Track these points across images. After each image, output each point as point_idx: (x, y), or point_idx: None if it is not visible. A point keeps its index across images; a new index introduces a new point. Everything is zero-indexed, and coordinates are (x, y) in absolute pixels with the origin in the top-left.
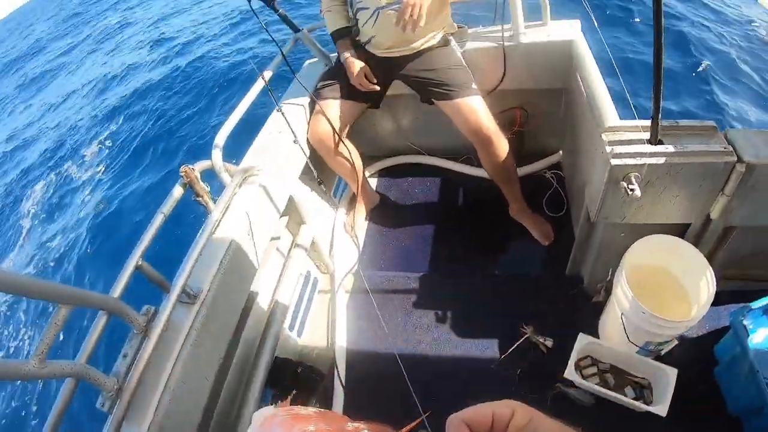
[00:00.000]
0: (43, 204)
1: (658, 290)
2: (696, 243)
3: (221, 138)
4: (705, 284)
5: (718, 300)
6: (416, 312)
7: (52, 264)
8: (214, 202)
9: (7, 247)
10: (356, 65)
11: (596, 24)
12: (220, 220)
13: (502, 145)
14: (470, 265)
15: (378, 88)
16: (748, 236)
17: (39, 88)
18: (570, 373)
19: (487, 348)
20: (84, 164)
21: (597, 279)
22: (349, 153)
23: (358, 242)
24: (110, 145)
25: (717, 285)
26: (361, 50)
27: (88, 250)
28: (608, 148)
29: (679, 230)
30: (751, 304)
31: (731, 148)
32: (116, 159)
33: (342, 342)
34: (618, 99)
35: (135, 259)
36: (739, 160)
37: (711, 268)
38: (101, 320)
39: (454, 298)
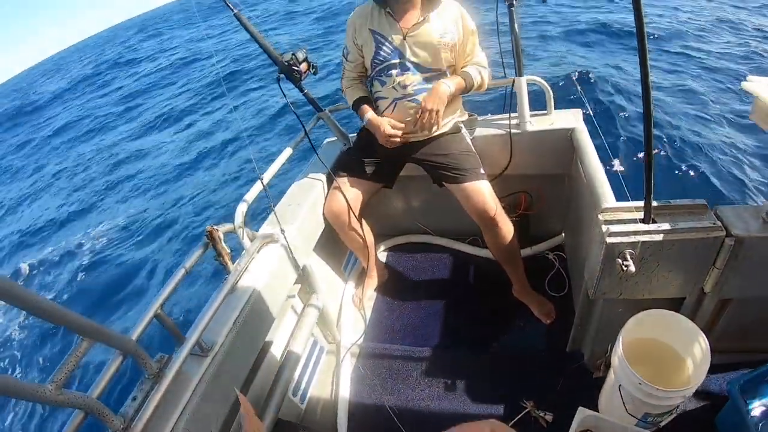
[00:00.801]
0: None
1: (657, 363)
2: (692, 316)
3: (244, 204)
4: (701, 355)
5: (717, 371)
6: (419, 386)
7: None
8: (233, 264)
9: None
10: (381, 121)
11: (592, 114)
12: (237, 281)
13: (506, 228)
14: (474, 341)
15: (403, 137)
16: (742, 308)
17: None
18: None
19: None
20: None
21: (597, 355)
22: (362, 230)
23: (365, 315)
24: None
25: (715, 356)
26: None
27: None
28: (604, 228)
29: (675, 304)
30: (748, 374)
31: (720, 224)
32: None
33: (344, 411)
34: (615, 182)
35: (155, 307)
36: (728, 234)
37: (706, 339)
38: (117, 360)
39: (457, 373)
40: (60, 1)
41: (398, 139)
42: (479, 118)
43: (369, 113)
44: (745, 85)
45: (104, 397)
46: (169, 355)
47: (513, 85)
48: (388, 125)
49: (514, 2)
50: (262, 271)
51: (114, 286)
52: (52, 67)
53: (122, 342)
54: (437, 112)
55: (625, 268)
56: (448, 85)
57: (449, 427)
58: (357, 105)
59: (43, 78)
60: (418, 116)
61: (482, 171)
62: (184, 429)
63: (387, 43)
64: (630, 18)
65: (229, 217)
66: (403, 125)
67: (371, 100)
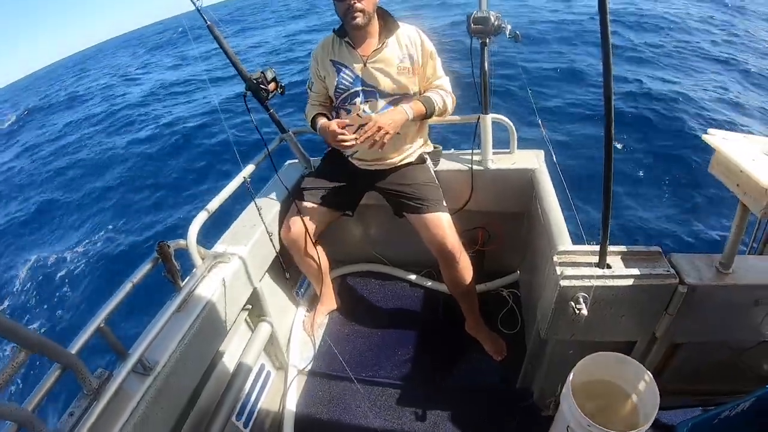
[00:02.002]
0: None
1: (607, 403)
2: (642, 359)
3: (198, 222)
4: (649, 397)
5: (667, 411)
6: (365, 417)
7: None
8: (183, 281)
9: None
10: (330, 123)
11: (554, 158)
12: (185, 300)
13: (463, 262)
14: (424, 374)
15: (354, 143)
16: (692, 352)
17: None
18: None
19: None
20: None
21: (547, 393)
22: (318, 256)
23: (316, 341)
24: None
25: (665, 398)
26: (344, 161)
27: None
28: (559, 270)
29: (626, 347)
30: (698, 416)
31: (674, 271)
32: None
33: None
34: (572, 221)
35: (98, 321)
36: (681, 282)
37: (655, 382)
38: (55, 373)
39: (406, 405)
40: None
41: (348, 141)
42: (444, 151)
43: (321, 120)
44: (705, 138)
45: (40, 411)
46: (111, 371)
47: (478, 121)
48: (336, 125)
49: (487, 41)
50: (212, 290)
51: (55, 292)
52: None
53: (62, 355)
54: (387, 133)
55: (577, 311)
56: (407, 111)
57: None
58: (314, 121)
59: None
60: (366, 127)
61: (444, 203)
62: None
63: (348, 71)
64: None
65: (181, 234)
66: (351, 123)
67: (328, 116)
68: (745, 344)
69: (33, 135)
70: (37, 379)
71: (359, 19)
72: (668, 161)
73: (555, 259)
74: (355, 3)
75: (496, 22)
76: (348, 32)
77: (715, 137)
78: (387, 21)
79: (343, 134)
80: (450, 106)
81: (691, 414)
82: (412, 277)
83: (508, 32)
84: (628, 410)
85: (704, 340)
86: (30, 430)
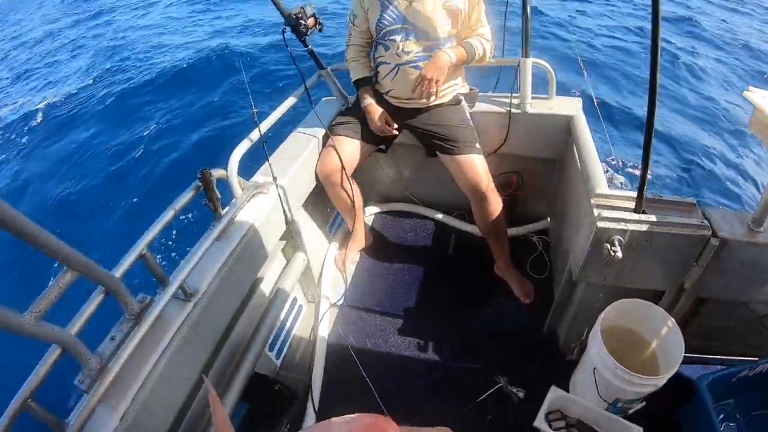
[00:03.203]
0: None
1: (630, 352)
2: (669, 310)
3: (239, 152)
4: (674, 348)
5: (686, 365)
6: (394, 352)
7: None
8: (223, 210)
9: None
10: (377, 111)
11: (596, 103)
12: (225, 229)
13: (496, 204)
14: (452, 313)
15: (397, 132)
16: (717, 310)
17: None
18: (540, 422)
19: (460, 392)
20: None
21: (572, 338)
22: (352, 191)
23: (347, 277)
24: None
25: (686, 352)
26: (379, 97)
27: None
28: (596, 212)
29: (654, 296)
30: (718, 371)
31: (707, 223)
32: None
33: (319, 369)
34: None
35: (140, 247)
36: (714, 234)
37: (681, 333)
38: (98, 297)
39: (433, 342)
40: None
41: (389, 131)
42: (480, 93)
43: (367, 100)
44: (746, 94)
45: (82, 335)
46: (152, 297)
47: (519, 65)
48: (384, 120)
49: None
50: (251, 220)
51: (99, 215)
52: None
53: (106, 278)
54: (437, 81)
55: (612, 254)
56: (450, 54)
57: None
58: (358, 84)
59: None
60: (417, 84)
61: (478, 145)
62: (161, 374)
63: (392, 8)
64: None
65: (223, 164)
66: (395, 126)
67: (371, 81)
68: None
69: None
70: (78, 304)
71: None
72: (711, 115)
73: (593, 201)
74: None
75: None
76: None
77: (755, 94)
78: None
79: (384, 129)
80: (488, 55)
81: (711, 369)
82: (444, 217)
83: None
84: (649, 359)
85: (729, 297)
86: (73, 353)
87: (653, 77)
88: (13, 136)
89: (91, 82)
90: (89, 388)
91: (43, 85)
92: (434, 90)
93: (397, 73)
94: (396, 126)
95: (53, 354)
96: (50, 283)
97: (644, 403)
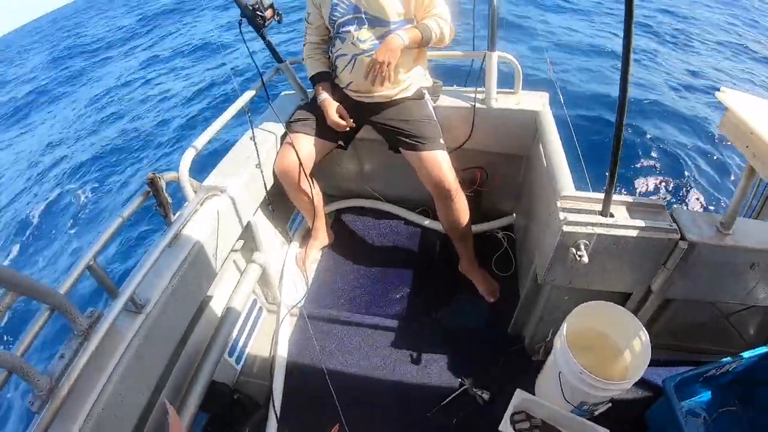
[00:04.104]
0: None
1: (596, 354)
2: (635, 311)
3: (190, 153)
4: (641, 350)
5: (653, 367)
6: (357, 353)
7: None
8: (174, 215)
9: None
10: (332, 106)
11: (562, 99)
12: (177, 234)
13: (460, 201)
14: (416, 312)
15: (353, 124)
16: (684, 309)
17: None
18: (505, 425)
19: (424, 395)
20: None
21: (537, 339)
22: (312, 189)
23: (308, 277)
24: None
25: (653, 353)
26: (338, 91)
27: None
28: (562, 215)
29: (621, 298)
30: (685, 372)
31: (676, 226)
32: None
33: (280, 374)
34: (576, 168)
35: (87, 258)
36: (682, 237)
37: (648, 335)
38: (43, 315)
39: (396, 343)
40: None
41: (344, 125)
42: (444, 87)
43: (323, 95)
44: (718, 95)
45: (29, 356)
46: (101, 310)
47: (483, 58)
48: (336, 113)
49: None
50: (205, 224)
51: (41, 228)
52: None
53: (50, 295)
54: (388, 64)
55: (578, 258)
56: (402, 36)
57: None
58: (314, 80)
59: None
60: (369, 69)
61: (442, 141)
62: (114, 390)
63: None
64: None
65: (172, 166)
66: (351, 121)
67: (328, 75)
68: (735, 307)
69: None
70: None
71: None
72: (678, 118)
73: (558, 204)
74: None
75: None
76: None
77: (727, 95)
78: None
79: (340, 125)
80: (447, 35)
81: (678, 371)
82: (407, 213)
83: None
84: (617, 361)
85: (697, 298)
86: (21, 375)
87: (624, 71)
88: None
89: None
90: (40, 409)
91: None
92: (386, 74)
93: (354, 64)
94: (352, 120)
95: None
96: None
97: (610, 404)
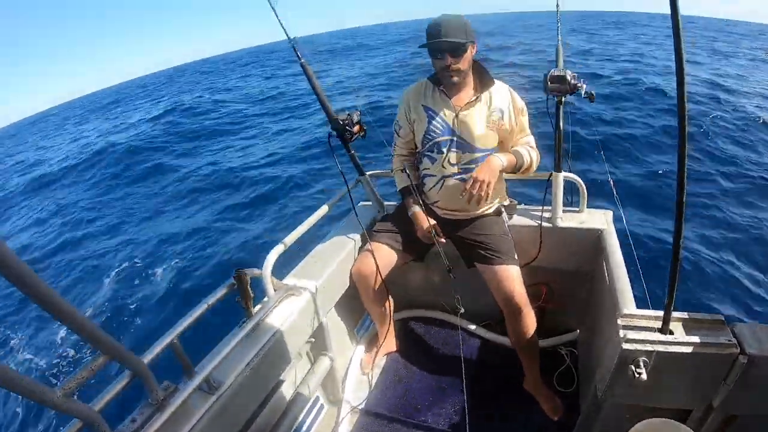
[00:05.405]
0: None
1: None
2: (697, 429)
3: (275, 253)
4: None
5: None
6: None
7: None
8: (254, 308)
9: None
10: (425, 220)
11: (624, 220)
12: (255, 327)
13: (530, 317)
14: (477, 426)
15: (444, 241)
16: (748, 425)
17: None
18: None
19: None
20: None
21: None
22: (385, 296)
23: (371, 381)
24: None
25: None
26: (426, 207)
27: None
28: (622, 333)
29: (682, 415)
30: None
31: (735, 341)
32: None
33: None
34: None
35: (171, 336)
36: (742, 352)
37: None
38: (125, 379)
39: None
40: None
41: (432, 240)
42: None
43: (414, 208)
44: None
45: (105, 413)
46: (176, 385)
47: (550, 178)
48: (429, 228)
49: (563, 99)
50: (281, 321)
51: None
52: None
53: (136, 363)
54: (488, 184)
55: (637, 375)
56: (501, 159)
57: None
58: (404, 193)
59: None
60: (468, 186)
61: (516, 257)
62: None
63: (439, 119)
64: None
65: (254, 262)
66: (443, 238)
67: (418, 189)
68: None
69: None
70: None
71: (455, 78)
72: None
73: (619, 321)
74: (451, 65)
75: (572, 81)
76: (443, 81)
77: None
78: (482, 76)
79: (430, 237)
80: (535, 163)
81: None
82: (473, 327)
83: (583, 92)
84: None
85: (761, 413)
86: (95, 429)
87: (679, 200)
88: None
89: None
90: None
91: None
92: (484, 192)
93: (442, 185)
94: (442, 236)
95: (74, 427)
96: (83, 365)
97: None
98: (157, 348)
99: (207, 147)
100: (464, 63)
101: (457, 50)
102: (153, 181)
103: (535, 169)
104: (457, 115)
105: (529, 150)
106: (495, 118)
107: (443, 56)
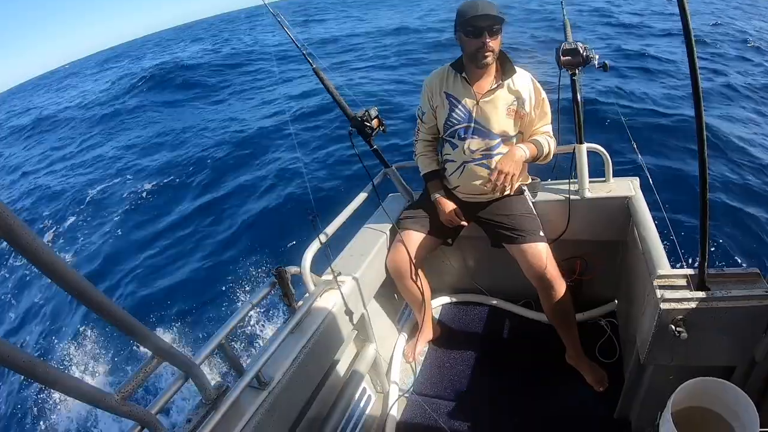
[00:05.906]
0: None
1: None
2: (742, 385)
3: (312, 250)
4: (751, 426)
5: None
6: None
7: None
8: (297, 303)
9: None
10: (448, 205)
11: (651, 182)
12: (299, 322)
13: (562, 291)
14: (524, 404)
15: (465, 224)
16: None
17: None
18: None
19: None
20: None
21: (644, 423)
22: (421, 284)
23: (416, 368)
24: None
25: (763, 427)
26: (447, 192)
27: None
28: (659, 293)
29: (726, 372)
30: None
31: None
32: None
33: None
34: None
35: (220, 337)
36: None
37: (756, 411)
38: (179, 381)
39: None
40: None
41: (457, 222)
42: (541, 183)
43: (437, 193)
44: None
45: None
46: (228, 384)
47: (574, 151)
48: (454, 213)
49: (577, 71)
50: (323, 314)
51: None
52: None
53: (188, 365)
54: (512, 175)
55: (677, 334)
56: (524, 150)
57: None
58: (427, 178)
59: None
60: (492, 177)
61: (542, 233)
62: None
63: (460, 107)
64: None
65: (290, 260)
66: (465, 221)
67: (441, 174)
68: None
69: None
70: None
71: (489, 59)
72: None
73: (655, 283)
74: (488, 42)
75: (584, 53)
76: (466, 68)
77: None
78: (504, 63)
79: (453, 220)
80: (552, 153)
81: None
82: (511, 306)
83: (596, 62)
84: None
85: None
86: (152, 431)
87: (701, 154)
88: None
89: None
90: None
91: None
92: (508, 183)
93: (463, 170)
94: (464, 219)
95: (132, 430)
96: (138, 368)
97: None
98: (207, 349)
99: None
100: (497, 44)
101: (496, 27)
102: None
103: (551, 158)
104: (477, 102)
105: (548, 140)
106: (515, 106)
107: (482, 34)
